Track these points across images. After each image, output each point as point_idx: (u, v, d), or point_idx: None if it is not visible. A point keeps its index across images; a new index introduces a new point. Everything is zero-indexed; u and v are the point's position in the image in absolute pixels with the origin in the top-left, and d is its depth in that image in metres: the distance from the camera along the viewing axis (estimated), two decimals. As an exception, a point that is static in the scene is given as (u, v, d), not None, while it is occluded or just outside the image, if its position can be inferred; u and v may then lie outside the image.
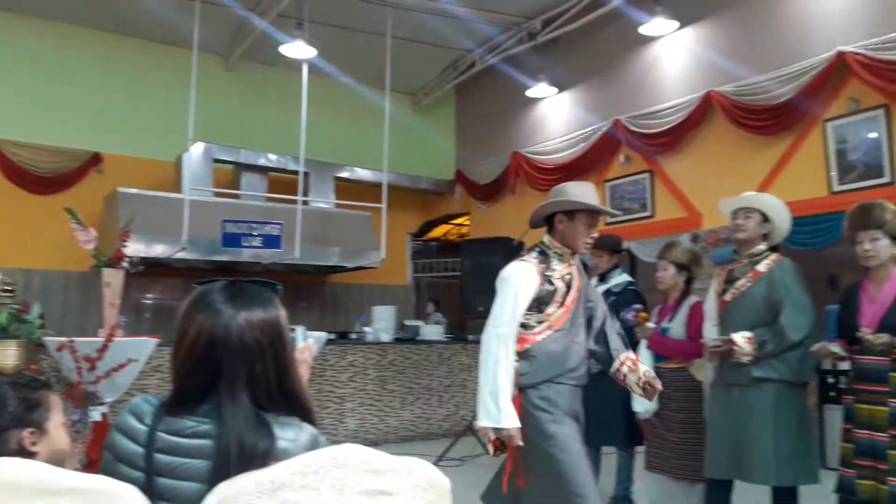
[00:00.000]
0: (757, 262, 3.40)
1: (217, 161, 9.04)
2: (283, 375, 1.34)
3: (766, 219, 3.43)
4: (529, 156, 9.65)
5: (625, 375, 3.07)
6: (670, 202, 7.93)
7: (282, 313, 1.39)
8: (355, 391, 7.00)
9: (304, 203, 8.54)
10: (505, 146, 10.12)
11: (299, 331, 1.56)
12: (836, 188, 6.36)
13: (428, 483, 1.24)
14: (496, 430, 2.77)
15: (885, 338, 2.85)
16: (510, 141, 10.10)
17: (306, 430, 1.32)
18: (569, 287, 3.02)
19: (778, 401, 3.24)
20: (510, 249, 6.65)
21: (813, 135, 6.59)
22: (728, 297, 3.43)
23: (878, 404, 2.89)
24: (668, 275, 3.87)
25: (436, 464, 2.72)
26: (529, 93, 9.53)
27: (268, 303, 1.38)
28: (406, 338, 7.75)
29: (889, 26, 5.97)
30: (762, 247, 3.44)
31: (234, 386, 1.29)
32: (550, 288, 2.95)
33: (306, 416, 1.37)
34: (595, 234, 3.08)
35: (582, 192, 3.02)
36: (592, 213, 3.03)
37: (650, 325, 3.82)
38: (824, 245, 6.20)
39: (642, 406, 3.78)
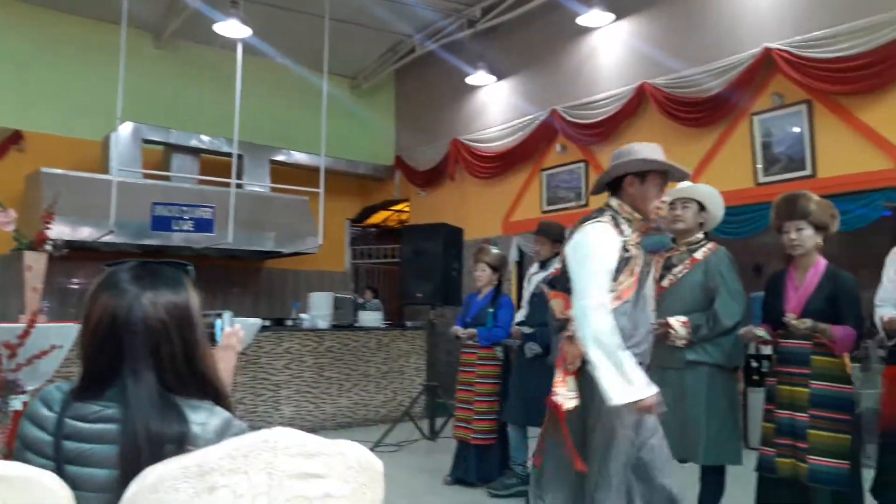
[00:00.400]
0: (694, 250, 3.52)
1: (146, 141, 8.74)
2: (191, 357, 1.31)
3: (702, 208, 3.56)
4: (469, 143, 9.68)
5: None
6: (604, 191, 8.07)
7: (192, 294, 1.36)
8: (291, 378, 6.92)
9: (238, 186, 8.35)
10: (444, 133, 10.13)
11: (226, 315, 1.52)
12: (762, 180, 6.61)
13: (360, 465, 1.24)
14: (630, 404, 2.42)
15: (808, 322, 2.99)
16: (450, 128, 10.11)
17: (218, 414, 1.29)
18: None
19: (710, 384, 3.35)
20: (449, 236, 6.68)
21: (740, 128, 6.83)
22: (665, 282, 3.54)
23: (799, 386, 3.04)
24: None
25: (373, 449, 2.69)
26: (469, 80, 9.54)
27: (177, 284, 1.35)
28: (343, 324, 7.70)
29: (813, 25, 6.22)
30: (699, 235, 3.57)
31: (137, 367, 1.26)
32: (626, 255, 2.64)
33: (219, 399, 1.34)
34: (666, 199, 2.84)
35: (654, 152, 2.76)
36: (664, 176, 2.77)
37: None
38: (750, 234, 6.45)
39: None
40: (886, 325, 2.80)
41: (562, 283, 2.64)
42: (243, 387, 6.62)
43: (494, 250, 4.91)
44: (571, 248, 2.66)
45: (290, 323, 7.54)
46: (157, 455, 1.16)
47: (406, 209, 11.82)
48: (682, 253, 3.55)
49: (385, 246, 11.97)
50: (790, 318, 3.05)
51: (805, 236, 3.13)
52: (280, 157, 9.94)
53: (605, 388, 2.39)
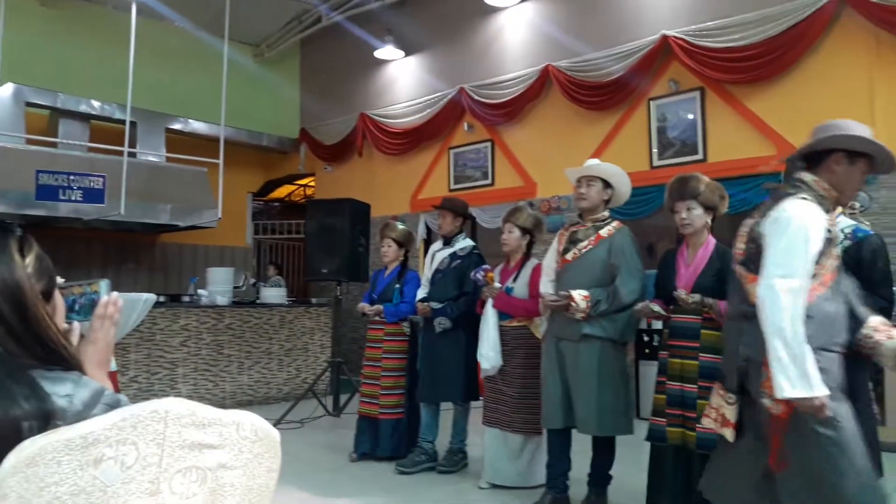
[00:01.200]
0: (600, 227, 3.62)
1: (30, 105, 8.15)
2: (27, 322, 1.21)
3: (607, 185, 3.65)
4: (377, 118, 9.59)
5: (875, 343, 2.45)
6: (509, 171, 8.23)
7: (16, 256, 1.24)
8: (188, 356, 6.70)
9: (131, 155, 7.94)
10: (352, 107, 9.98)
11: (103, 284, 1.43)
12: (656, 163, 6.91)
13: (256, 435, 1.22)
14: (800, 400, 2.16)
15: (697, 297, 3.13)
16: (358, 102, 9.97)
17: (86, 385, 1.21)
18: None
19: (602, 357, 3.47)
20: (356, 212, 6.62)
21: (638, 112, 7.09)
22: (570, 256, 3.63)
23: (689, 359, 3.17)
24: (513, 237, 4.05)
25: (275, 426, 2.58)
26: (377, 54, 9.43)
27: None
28: (244, 301, 7.50)
29: (708, 15, 6.52)
30: (605, 213, 3.67)
31: None
32: (829, 236, 2.36)
33: (70, 367, 1.25)
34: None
35: (870, 134, 2.42)
36: (872, 163, 2.43)
37: (497, 285, 3.99)
38: (644, 215, 6.74)
39: (489, 363, 3.92)
40: None
41: (757, 263, 2.36)
42: (137, 365, 6.35)
43: (400, 226, 4.89)
44: (770, 223, 2.36)
45: (186, 299, 7.28)
46: (16, 438, 1.07)
47: (312, 184, 11.60)
48: (587, 229, 3.63)
49: (289, 221, 11.72)
50: (680, 293, 3.18)
51: (695, 216, 3.24)
52: (177, 126, 9.51)
53: (776, 377, 2.17)
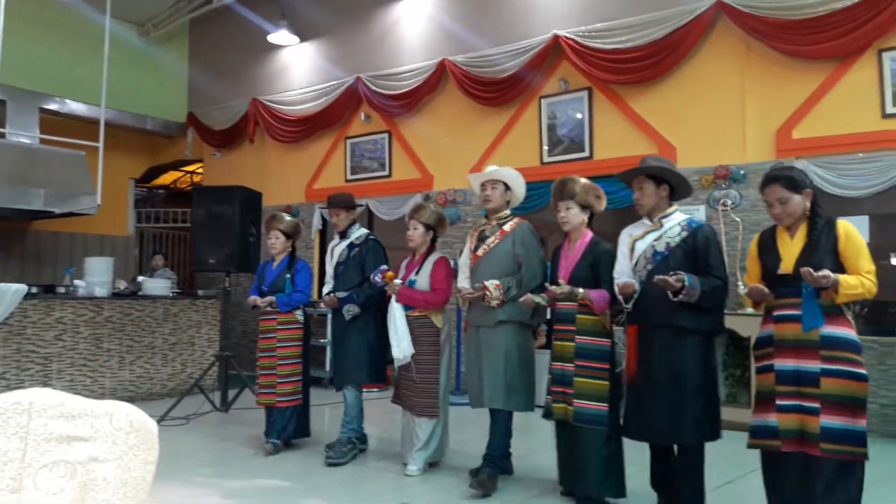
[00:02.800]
0: (503, 224, 4.02)
1: None
2: None
3: (508, 188, 4.06)
4: (270, 104, 9.34)
5: None
6: (406, 163, 8.24)
7: None
8: (64, 351, 6.30)
9: (1, 136, 7.35)
10: (244, 92, 9.68)
11: None
12: (547, 159, 7.13)
13: (131, 426, 1.17)
14: None
15: (565, 288, 3.48)
16: (250, 87, 9.67)
17: None
18: None
19: (515, 339, 3.84)
20: (246, 200, 6.44)
21: (530, 109, 7.28)
22: (480, 251, 4.01)
23: (568, 341, 3.53)
24: (417, 234, 4.30)
25: (159, 423, 2.54)
26: (271, 38, 9.19)
27: None
28: (125, 292, 7.13)
29: (597, 16, 6.78)
30: (507, 211, 4.08)
31: None
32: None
33: None
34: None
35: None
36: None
37: (397, 281, 4.19)
38: (535, 210, 6.92)
39: (402, 353, 4.10)
40: (622, 289, 3.25)
41: None
42: (5, 360, 5.92)
43: (287, 217, 4.92)
44: None
45: (62, 290, 6.83)
46: None
47: (199, 171, 11.18)
48: (493, 226, 4.03)
49: (175, 209, 11.22)
50: (555, 286, 3.52)
51: (572, 214, 3.63)
52: (52, 106, 8.90)
53: None
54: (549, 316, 3.95)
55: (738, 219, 5.85)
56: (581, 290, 3.45)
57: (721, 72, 6.20)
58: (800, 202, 2.88)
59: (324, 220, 8.93)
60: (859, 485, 2.73)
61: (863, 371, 2.75)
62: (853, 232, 2.85)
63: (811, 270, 2.70)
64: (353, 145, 8.73)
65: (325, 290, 4.74)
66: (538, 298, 3.62)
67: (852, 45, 5.52)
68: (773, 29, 5.81)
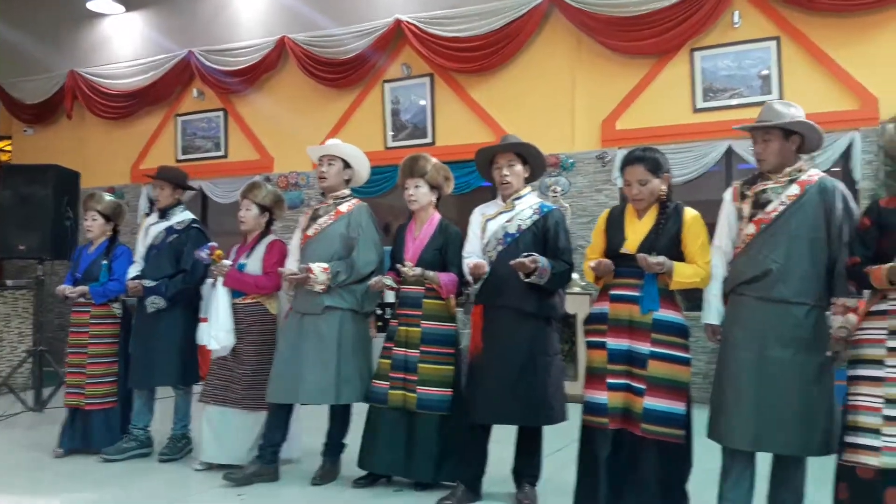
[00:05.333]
0: (339, 203, 3.74)
1: None
2: None
3: (348, 165, 3.77)
4: (91, 77, 8.58)
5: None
6: (244, 143, 7.92)
7: None
8: None
9: None
10: (60, 63, 8.80)
11: None
12: (390, 144, 7.14)
13: None
14: None
15: (417, 271, 3.38)
16: (68, 58, 8.82)
17: None
18: None
19: (343, 327, 3.58)
20: (62, 181, 5.88)
21: (374, 93, 7.25)
22: (311, 231, 3.72)
23: (413, 326, 3.44)
24: (250, 215, 3.92)
25: None
26: (91, 6, 8.44)
27: None
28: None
29: (438, 3, 6.85)
30: (346, 191, 3.80)
31: None
32: None
33: None
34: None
35: None
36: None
37: (226, 262, 3.82)
38: (379, 194, 6.91)
39: (219, 343, 3.75)
40: (473, 270, 3.27)
41: None
42: None
43: (108, 197, 4.41)
44: None
45: None
46: None
47: (8, 148, 10.04)
48: (329, 206, 3.75)
49: (-22, 190, 10.03)
50: (404, 267, 3.40)
51: (420, 193, 3.51)
52: None
53: None
54: (382, 300, 3.86)
55: (566, 205, 6.18)
56: (431, 272, 3.38)
57: (554, 64, 6.51)
58: (657, 185, 2.90)
59: (152, 203, 8.37)
60: (681, 463, 2.83)
61: (687, 355, 2.85)
62: (698, 221, 2.89)
63: (646, 257, 2.76)
64: (185, 123, 8.24)
65: (131, 272, 4.21)
66: (388, 281, 3.46)
67: (668, 44, 6.00)
68: (601, 24, 6.18)
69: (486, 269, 3.20)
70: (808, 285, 2.63)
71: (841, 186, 2.71)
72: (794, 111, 2.72)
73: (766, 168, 2.76)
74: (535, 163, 3.39)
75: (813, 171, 2.75)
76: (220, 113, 8.02)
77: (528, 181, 3.40)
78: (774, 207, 2.69)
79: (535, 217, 3.26)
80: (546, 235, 3.23)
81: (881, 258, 2.48)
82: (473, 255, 3.35)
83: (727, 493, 2.75)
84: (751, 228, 2.71)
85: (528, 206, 3.30)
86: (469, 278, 3.30)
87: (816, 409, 2.59)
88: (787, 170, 2.72)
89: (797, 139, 2.73)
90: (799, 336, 2.61)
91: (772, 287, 2.65)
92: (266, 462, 3.62)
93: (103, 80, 8.51)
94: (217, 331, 3.74)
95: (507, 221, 3.28)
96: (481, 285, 3.27)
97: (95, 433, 4.18)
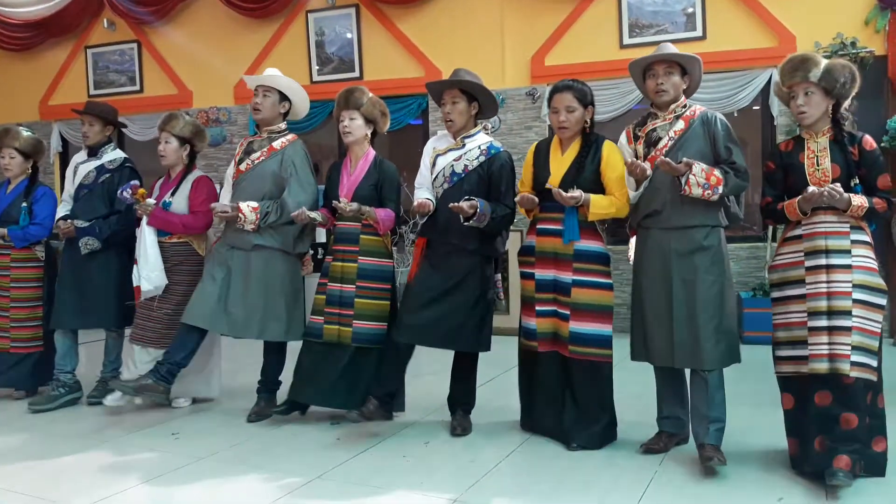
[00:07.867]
0: (274, 139, 3.64)
1: None
2: None
3: (284, 98, 3.65)
4: (-12, 5, 7.93)
5: None
6: (161, 77, 7.54)
7: None
8: None
9: None
10: (-52, -12, 8.09)
11: None
12: (316, 78, 6.94)
13: None
14: None
15: (354, 206, 3.35)
16: (-43, -18, 8.10)
17: None
18: None
19: (271, 265, 3.57)
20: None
21: (297, 24, 6.99)
22: (243, 166, 3.63)
23: (349, 262, 3.45)
24: (170, 148, 3.78)
25: None
26: (-19, -76, 7.73)
27: None
28: None
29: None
30: (281, 125, 3.69)
31: None
32: None
33: None
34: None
35: None
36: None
37: (150, 201, 3.68)
38: (307, 131, 6.74)
39: (151, 284, 3.65)
40: (418, 208, 3.30)
41: None
42: None
43: (25, 132, 4.16)
44: None
45: None
46: None
47: None
48: (262, 140, 3.65)
49: None
50: (340, 203, 3.37)
51: (356, 126, 3.46)
52: None
53: None
54: (314, 240, 3.83)
55: (497, 142, 6.20)
56: (368, 207, 3.36)
57: (483, 3, 6.39)
58: (581, 116, 3.07)
59: (64, 141, 7.93)
60: (608, 381, 3.10)
61: (609, 281, 3.09)
62: (616, 155, 3.05)
63: (561, 192, 2.93)
64: (96, 56, 7.77)
65: (60, 212, 4.04)
66: (314, 215, 3.45)
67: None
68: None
69: (431, 207, 3.27)
70: (702, 209, 2.86)
71: (720, 115, 2.95)
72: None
73: (664, 100, 2.98)
74: (483, 101, 3.40)
75: (695, 106, 2.98)
76: (134, 45, 7.59)
77: (477, 118, 3.42)
78: (665, 143, 2.92)
79: (482, 158, 3.30)
80: (490, 178, 3.28)
81: (790, 194, 2.74)
82: (423, 187, 3.39)
83: (662, 405, 3.08)
84: (646, 166, 2.88)
85: (476, 145, 3.32)
86: (417, 216, 3.32)
87: (719, 324, 2.83)
88: (673, 106, 2.95)
89: (688, 79, 3.02)
90: (701, 256, 2.85)
91: (669, 218, 2.90)
92: (158, 378, 3.42)
93: (3, 9, 7.87)
94: (148, 271, 3.64)
95: (455, 160, 3.31)
96: (426, 219, 3.33)
97: (22, 376, 4.10)
